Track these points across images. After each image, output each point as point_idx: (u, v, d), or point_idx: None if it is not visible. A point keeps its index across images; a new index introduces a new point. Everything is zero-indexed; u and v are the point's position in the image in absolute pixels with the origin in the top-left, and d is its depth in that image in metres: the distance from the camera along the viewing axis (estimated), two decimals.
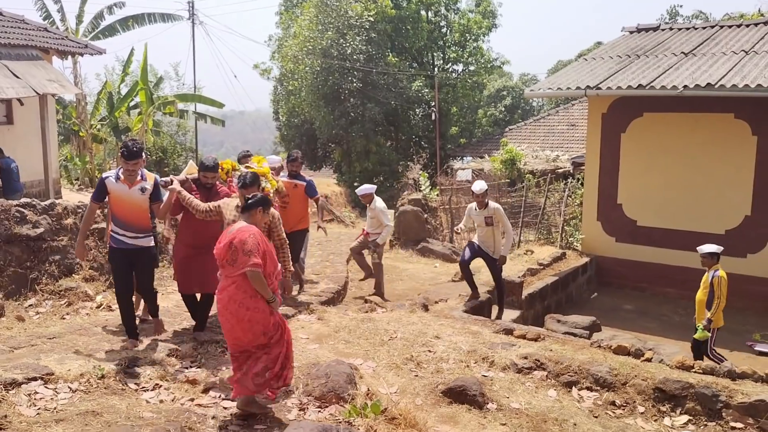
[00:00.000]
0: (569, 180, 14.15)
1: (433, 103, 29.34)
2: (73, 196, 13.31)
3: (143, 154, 5.75)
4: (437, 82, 29.09)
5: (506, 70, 45.41)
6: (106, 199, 5.69)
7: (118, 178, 5.57)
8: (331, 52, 25.96)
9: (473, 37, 31.73)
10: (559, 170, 22.55)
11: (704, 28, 13.56)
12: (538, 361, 6.10)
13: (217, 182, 6.26)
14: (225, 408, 4.69)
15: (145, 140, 18.15)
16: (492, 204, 8.35)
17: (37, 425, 3.93)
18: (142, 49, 19.14)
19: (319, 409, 4.88)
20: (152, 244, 5.86)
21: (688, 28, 13.83)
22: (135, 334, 5.77)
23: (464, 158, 29.95)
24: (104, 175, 5.62)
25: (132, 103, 19.14)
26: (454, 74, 32.33)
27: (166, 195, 5.87)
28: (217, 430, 4.31)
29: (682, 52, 11.82)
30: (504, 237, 8.29)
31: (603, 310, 10.55)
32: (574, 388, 5.81)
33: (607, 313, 10.34)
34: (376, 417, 4.72)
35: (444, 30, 32.32)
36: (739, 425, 5.22)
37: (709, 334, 7.74)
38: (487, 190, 8.42)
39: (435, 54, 32.36)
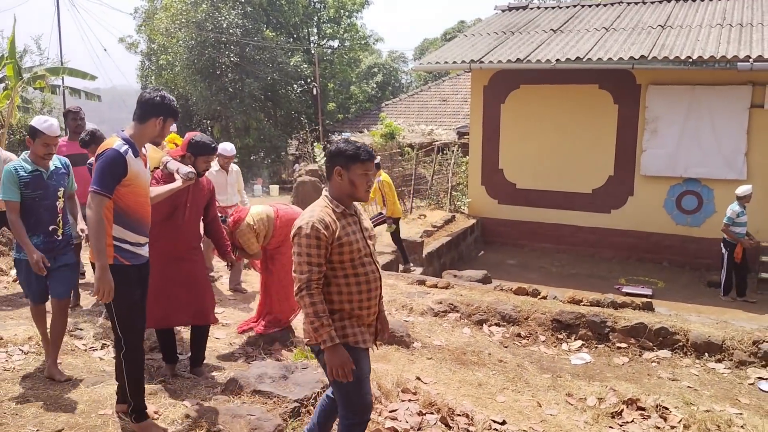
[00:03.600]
0: (453, 150, 15.08)
1: (310, 79, 29.53)
2: None
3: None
4: (317, 57, 29.27)
5: (375, 48, 46.32)
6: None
7: (135, 151, 3.49)
8: (206, 26, 25.39)
9: (347, 14, 32.18)
10: (436, 143, 23.71)
11: (568, 7, 14.86)
12: (452, 304, 6.80)
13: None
14: None
15: (12, 118, 16.99)
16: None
17: (4, 381, 4.01)
18: (8, 20, 17.82)
19: (266, 357, 5.23)
20: None
21: (554, 7, 15.11)
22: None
23: (343, 133, 30.49)
24: (116, 145, 3.39)
25: None
26: (329, 50, 32.64)
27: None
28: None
29: (552, 29, 12.97)
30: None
31: (490, 265, 11.53)
32: (484, 325, 6.56)
33: (494, 268, 11.31)
34: None
35: (318, 6, 32.46)
36: (623, 345, 6.20)
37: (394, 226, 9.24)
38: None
39: (310, 30, 32.46)
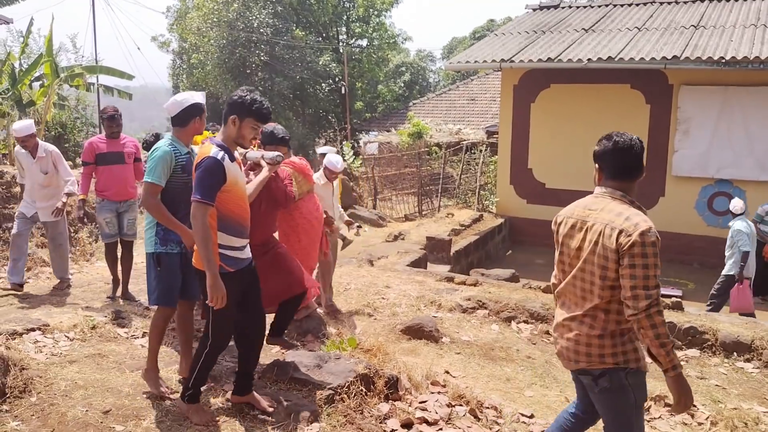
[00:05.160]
0: (482, 149, 15.13)
1: (338, 78, 29.76)
2: None
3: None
4: (346, 56, 29.48)
5: (403, 47, 46.46)
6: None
7: (231, 156, 3.52)
8: (237, 25, 25.76)
9: (376, 13, 32.37)
10: (464, 142, 23.78)
11: (600, 6, 14.81)
12: (480, 301, 6.88)
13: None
14: None
15: (48, 114, 17.44)
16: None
17: (53, 365, 4.21)
18: (45, 19, 18.30)
19: (300, 347, 5.38)
20: None
21: (585, 6, 15.06)
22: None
23: (370, 132, 30.70)
24: (212, 153, 3.40)
25: (35, 75, 18.25)
26: (358, 49, 32.86)
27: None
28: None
29: (583, 29, 12.95)
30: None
31: (518, 264, 11.55)
32: (512, 322, 6.64)
33: (522, 267, 11.33)
34: (353, 350, 5.29)
35: (348, 5, 32.69)
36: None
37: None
38: None
39: (339, 29, 32.71)
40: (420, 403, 4.51)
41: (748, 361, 5.96)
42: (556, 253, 3.17)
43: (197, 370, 3.65)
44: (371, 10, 31.85)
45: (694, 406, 4.90)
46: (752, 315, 7.70)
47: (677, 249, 11.64)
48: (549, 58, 11.39)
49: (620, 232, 2.74)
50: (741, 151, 10.95)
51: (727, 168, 11.13)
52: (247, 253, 3.71)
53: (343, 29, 32.97)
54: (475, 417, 4.41)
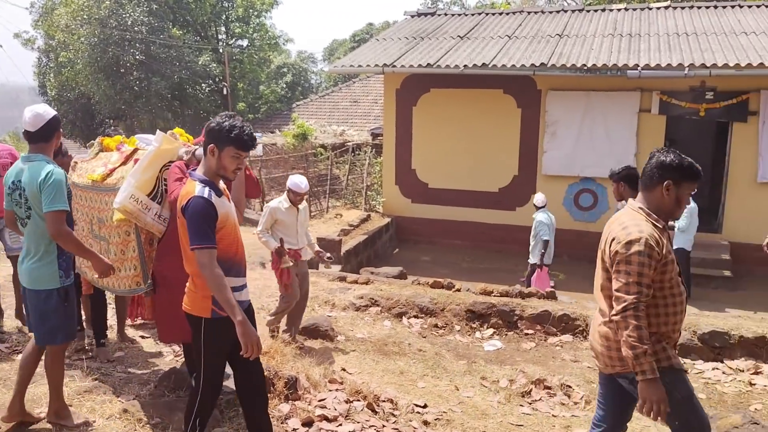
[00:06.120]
0: (366, 150, 15.46)
1: (219, 78, 29.17)
2: None
3: None
4: (227, 56, 28.94)
5: (284, 48, 46.23)
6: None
7: (217, 190, 3.23)
8: (109, 22, 24.59)
9: (256, 13, 32.02)
10: (348, 143, 24.09)
11: (473, 15, 15.54)
12: (372, 299, 7.13)
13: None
14: None
15: None
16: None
17: None
18: None
19: None
20: None
21: (460, 15, 15.77)
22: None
23: (254, 133, 30.23)
24: (198, 191, 3.12)
25: None
26: (238, 50, 32.33)
27: None
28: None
29: (459, 36, 13.57)
30: None
31: (405, 262, 11.95)
32: (404, 317, 6.94)
33: (409, 264, 11.73)
34: None
35: (227, 4, 32.09)
36: (530, 331, 6.73)
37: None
38: None
39: (219, 28, 32.06)
40: (319, 401, 4.66)
41: None
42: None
43: (193, 418, 3.34)
44: (251, 10, 31.48)
45: (569, 386, 5.39)
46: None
47: None
48: (428, 64, 11.87)
49: (613, 240, 2.93)
50: (602, 151, 11.92)
51: (591, 167, 12.08)
52: (246, 295, 3.40)
53: (223, 29, 32.34)
54: (373, 411, 4.62)
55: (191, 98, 29.39)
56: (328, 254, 6.21)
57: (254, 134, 3.21)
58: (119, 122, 27.70)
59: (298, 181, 5.86)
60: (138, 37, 25.14)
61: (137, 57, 25.24)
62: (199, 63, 28.20)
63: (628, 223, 2.92)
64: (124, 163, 4.31)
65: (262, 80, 37.86)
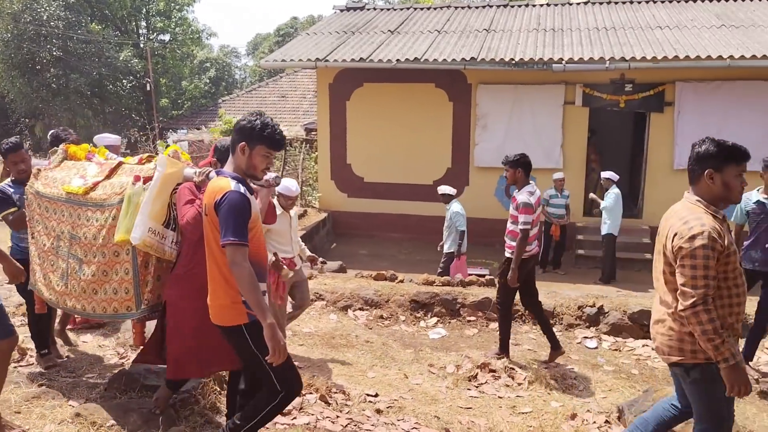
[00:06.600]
0: (297, 145, 15.39)
1: (140, 74, 28.30)
2: None
3: None
4: (149, 52, 28.09)
5: (207, 42, 45.33)
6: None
7: (249, 188, 3.17)
8: (23, 17, 23.43)
9: (178, 7, 31.22)
10: None
11: (402, 9, 15.72)
12: (317, 293, 7.16)
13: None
14: None
15: None
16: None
17: None
18: None
19: None
20: None
21: (389, 9, 15.92)
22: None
23: (179, 130, 29.53)
24: (234, 186, 3.04)
25: None
26: (160, 45, 31.44)
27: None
28: None
29: (389, 30, 13.71)
30: None
31: (344, 256, 12.00)
32: (349, 310, 7.01)
33: (348, 258, 11.79)
34: None
35: None
36: (472, 318, 6.94)
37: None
38: None
39: (139, 23, 31.09)
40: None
41: (552, 326, 6.86)
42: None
43: (259, 420, 3.23)
44: (172, 4, 30.65)
45: (512, 368, 5.61)
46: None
47: (482, 233, 12.80)
48: (361, 58, 11.94)
49: (675, 235, 2.97)
50: (530, 142, 12.30)
51: None
52: (267, 300, 3.24)
53: (144, 24, 31.37)
54: (326, 402, 4.68)
55: (112, 95, 28.42)
56: (322, 259, 6.04)
57: (283, 133, 3.16)
58: (36, 121, 26.47)
59: (288, 184, 5.47)
60: (55, 33, 24.08)
61: (54, 53, 24.18)
62: (120, 59, 27.30)
63: (688, 217, 2.96)
64: (108, 177, 4.02)
65: (185, 76, 36.99)
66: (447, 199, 9.36)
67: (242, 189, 3.05)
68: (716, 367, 2.93)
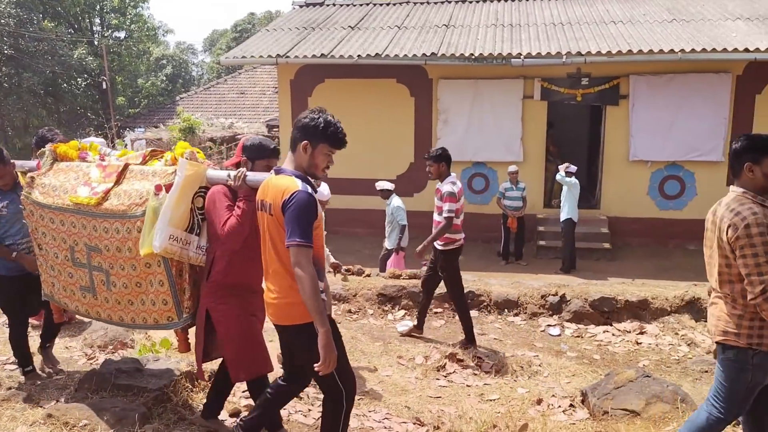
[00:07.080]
0: None
1: (96, 72, 27.70)
2: None
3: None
4: (105, 50, 27.52)
5: (163, 39, 44.62)
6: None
7: (313, 188, 3.11)
8: None
9: (133, 3, 30.65)
10: (239, 136, 23.61)
11: (362, 5, 15.74)
12: None
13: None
14: None
15: None
16: None
17: None
18: None
19: (110, 355, 5.24)
20: None
21: (348, 5, 15.92)
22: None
23: (136, 129, 29.01)
24: (302, 186, 2.98)
25: None
26: (115, 42, 30.84)
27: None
28: None
29: (350, 26, 13.74)
30: None
31: None
32: None
33: None
34: (167, 350, 5.30)
35: None
36: (439, 310, 7.06)
37: None
38: None
39: (93, 20, 30.42)
40: (243, 392, 4.71)
41: (516, 315, 7.05)
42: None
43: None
44: (127, 0, 30.07)
45: (479, 357, 5.74)
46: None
47: None
48: (322, 54, 11.96)
49: (729, 227, 3.05)
50: (491, 136, 12.52)
51: (481, 152, 12.65)
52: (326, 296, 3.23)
53: (98, 20, 30.70)
54: (298, 397, 4.73)
55: (66, 94, 27.76)
56: (346, 267, 6.04)
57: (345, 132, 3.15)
58: None
59: (322, 189, 5.15)
60: (6, 30, 23.41)
61: (5, 51, 23.53)
62: (74, 57, 26.68)
63: (739, 208, 3.06)
64: (117, 183, 3.78)
65: (142, 73, 36.37)
66: (386, 194, 9.26)
67: (309, 189, 3.00)
68: (753, 354, 3.06)
